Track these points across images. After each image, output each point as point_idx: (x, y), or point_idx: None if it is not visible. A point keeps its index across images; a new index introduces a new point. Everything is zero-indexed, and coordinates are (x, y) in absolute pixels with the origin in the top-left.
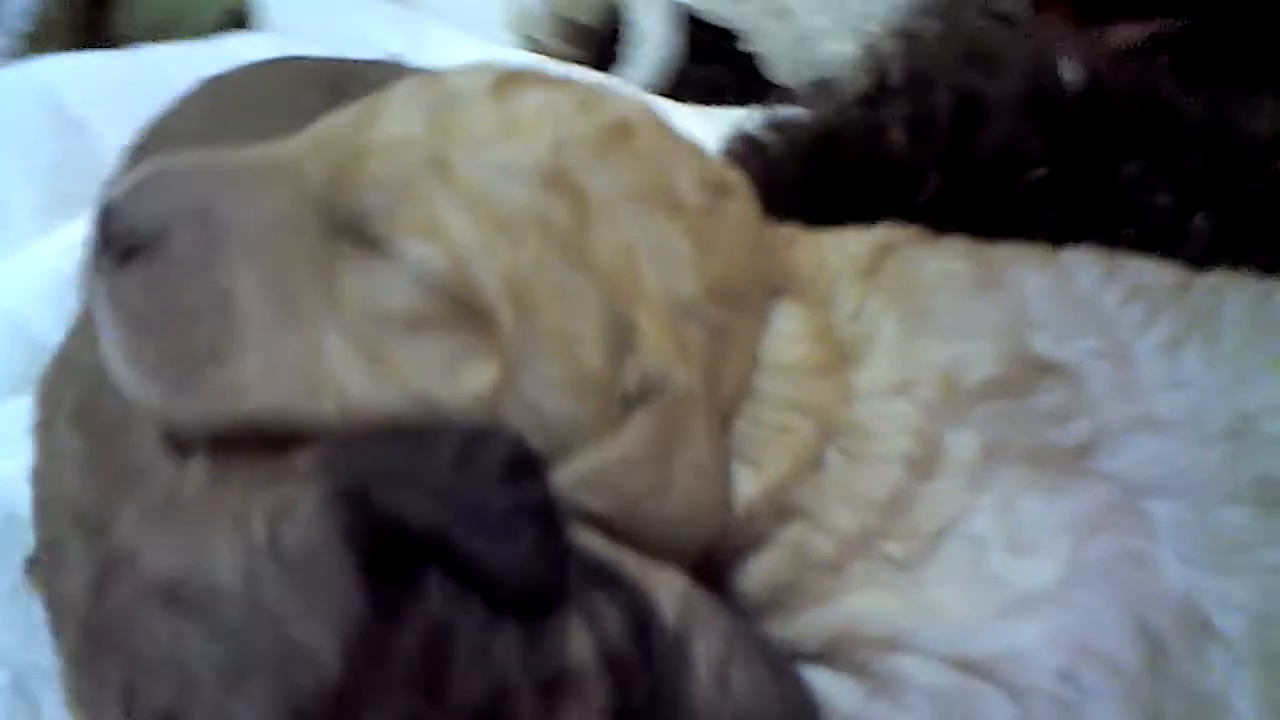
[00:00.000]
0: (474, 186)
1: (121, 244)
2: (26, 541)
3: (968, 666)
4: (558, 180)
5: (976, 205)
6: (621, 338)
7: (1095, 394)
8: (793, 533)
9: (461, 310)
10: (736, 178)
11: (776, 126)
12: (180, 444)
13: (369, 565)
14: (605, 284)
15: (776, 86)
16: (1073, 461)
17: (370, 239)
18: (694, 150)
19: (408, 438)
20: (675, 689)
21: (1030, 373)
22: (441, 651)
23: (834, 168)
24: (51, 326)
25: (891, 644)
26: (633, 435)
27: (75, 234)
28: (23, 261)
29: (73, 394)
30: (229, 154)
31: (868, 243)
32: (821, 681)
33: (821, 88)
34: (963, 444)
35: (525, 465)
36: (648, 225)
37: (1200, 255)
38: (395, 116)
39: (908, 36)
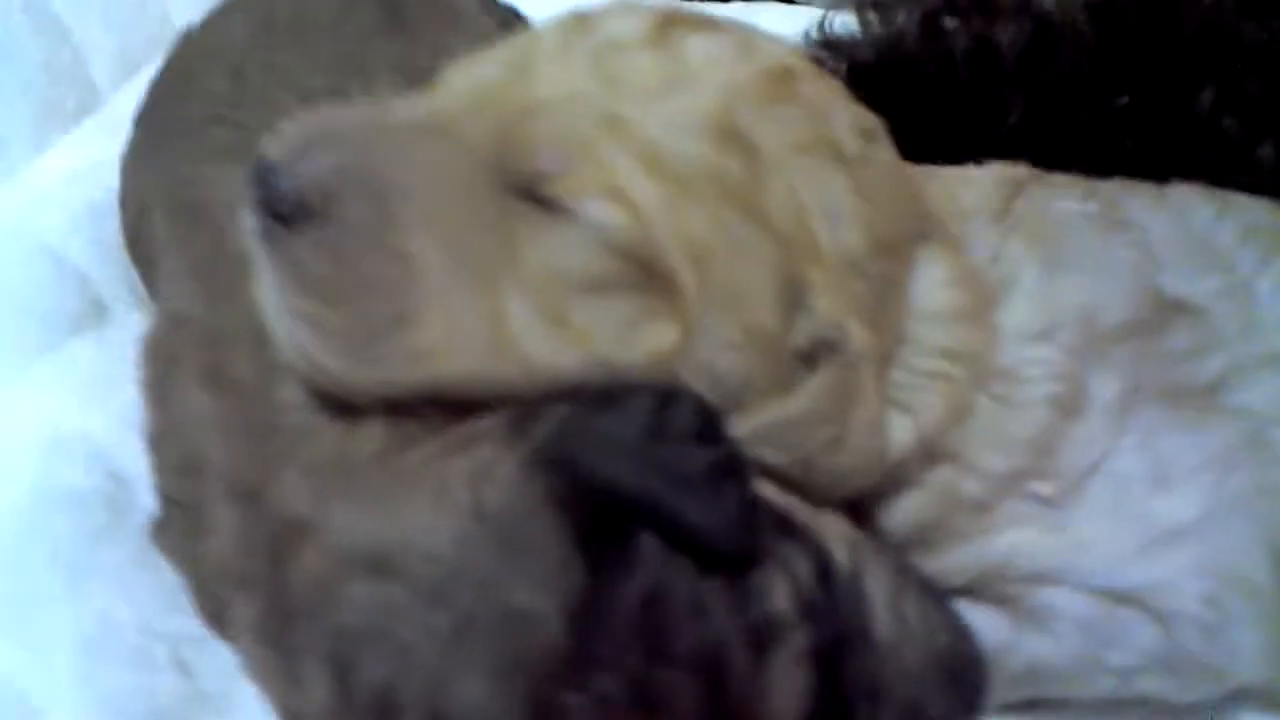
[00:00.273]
0: (649, 143)
1: (289, 207)
2: (136, 503)
3: (1116, 597)
4: (730, 134)
5: (1054, 133)
6: (795, 295)
7: (1223, 332)
8: (942, 475)
9: (642, 271)
10: (878, 121)
11: (832, 45)
12: (342, 406)
13: (581, 529)
14: (778, 241)
15: None
16: (1206, 399)
17: (547, 200)
18: (842, 94)
19: (598, 400)
20: (861, 626)
21: (1162, 313)
22: (659, 611)
23: (897, 94)
24: (94, 261)
25: (1041, 578)
26: (811, 392)
27: (83, 154)
28: (41, 188)
29: (196, 353)
30: (381, 111)
31: (994, 181)
32: (970, 614)
33: (881, 5)
34: (1105, 385)
35: (715, 425)
36: (815, 178)
37: (1269, 184)
38: (555, 68)
39: None
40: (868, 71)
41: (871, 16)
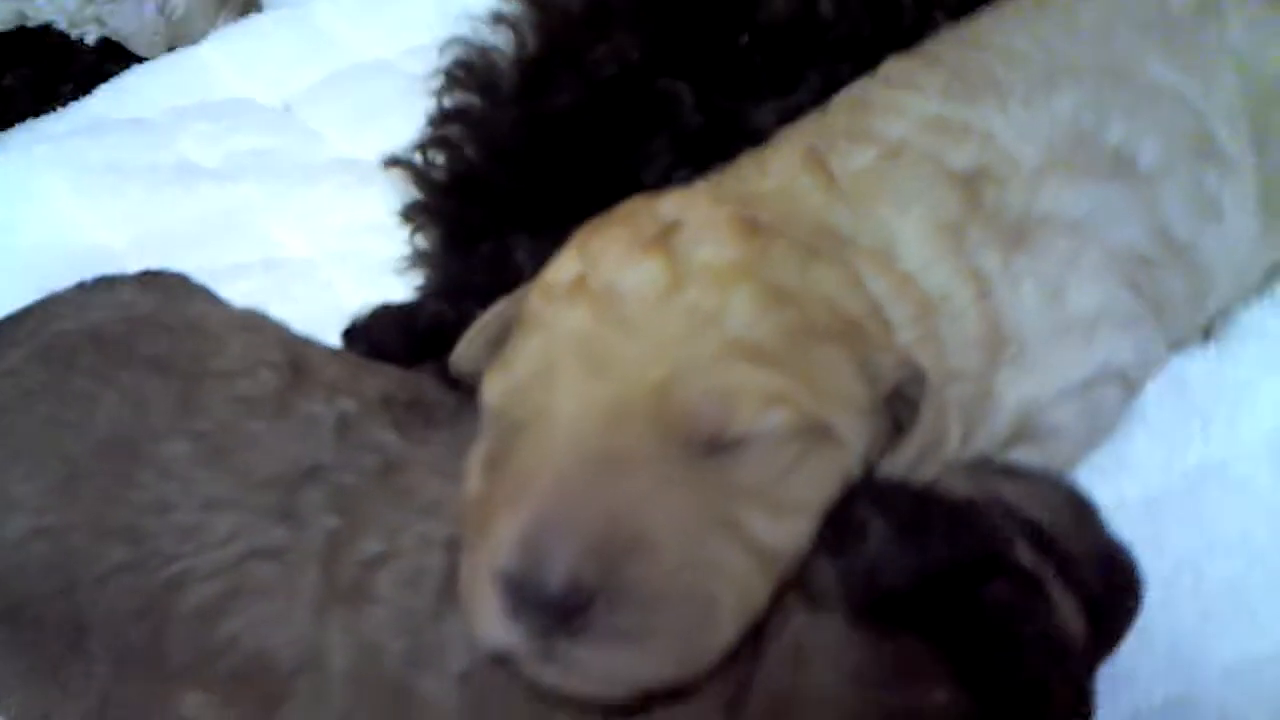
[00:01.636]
0: (742, 345)
1: (562, 610)
2: None
3: (1085, 385)
4: (772, 293)
5: None
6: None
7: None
8: (955, 391)
9: (811, 434)
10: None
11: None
12: None
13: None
14: (841, 343)
15: None
16: (1024, 223)
17: (732, 442)
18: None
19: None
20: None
21: (967, 187)
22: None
23: None
24: None
25: (1039, 409)
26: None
27: None
28: None
29: None
30: (565, 473)
31: (800, 158)
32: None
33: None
34: (987, 259)
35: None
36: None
37: None
38: (616, 343)
39: None
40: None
41: None
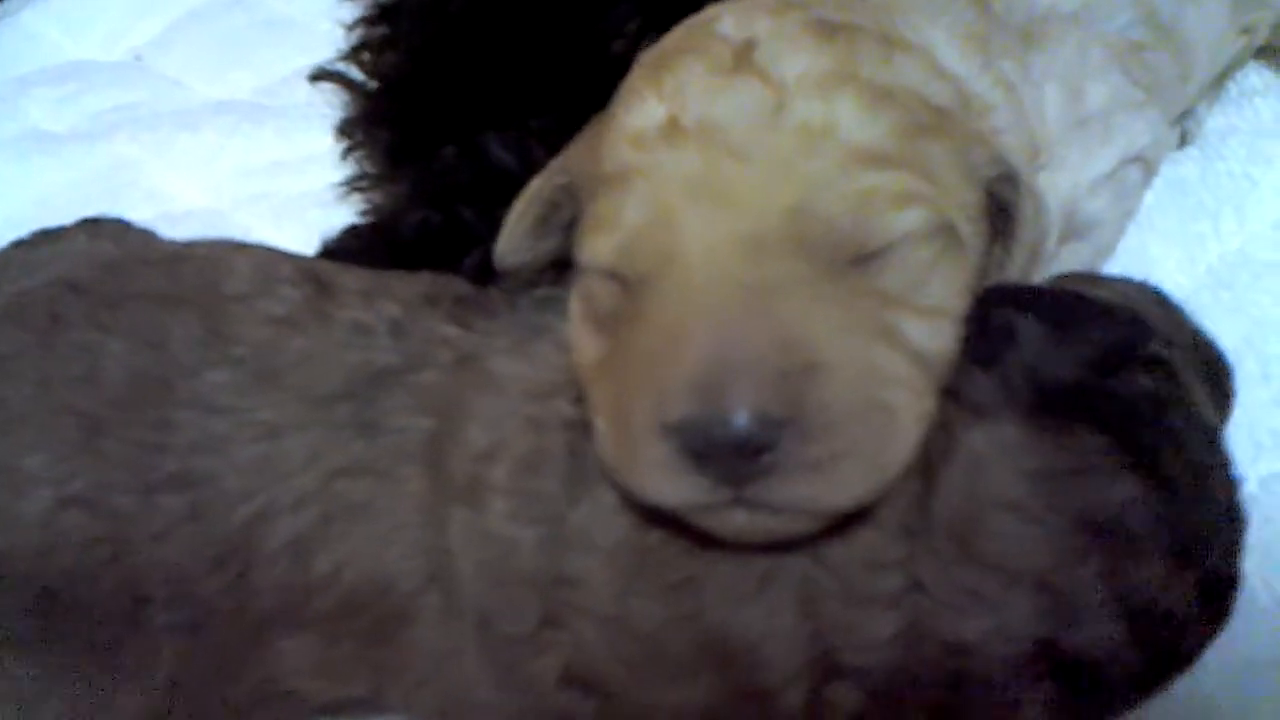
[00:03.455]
0: (871, 153)
1: (749, 448)
2: None
3: (1110, 175)
4: (880, 94)
5: None
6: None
7: None
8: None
9: (944, 235)
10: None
11: None
12: None
13: None
14: (948, 141)
15: None
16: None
17: (873, 252)
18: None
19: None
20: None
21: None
22: None
23: None
24: None
25: (1075, 200)
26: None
27: None
28: None
29: None
30: (719, 308)
31: None
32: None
33: None
34: (1009, 69)
35: None
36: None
37: None
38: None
39: None
40: None
41: None
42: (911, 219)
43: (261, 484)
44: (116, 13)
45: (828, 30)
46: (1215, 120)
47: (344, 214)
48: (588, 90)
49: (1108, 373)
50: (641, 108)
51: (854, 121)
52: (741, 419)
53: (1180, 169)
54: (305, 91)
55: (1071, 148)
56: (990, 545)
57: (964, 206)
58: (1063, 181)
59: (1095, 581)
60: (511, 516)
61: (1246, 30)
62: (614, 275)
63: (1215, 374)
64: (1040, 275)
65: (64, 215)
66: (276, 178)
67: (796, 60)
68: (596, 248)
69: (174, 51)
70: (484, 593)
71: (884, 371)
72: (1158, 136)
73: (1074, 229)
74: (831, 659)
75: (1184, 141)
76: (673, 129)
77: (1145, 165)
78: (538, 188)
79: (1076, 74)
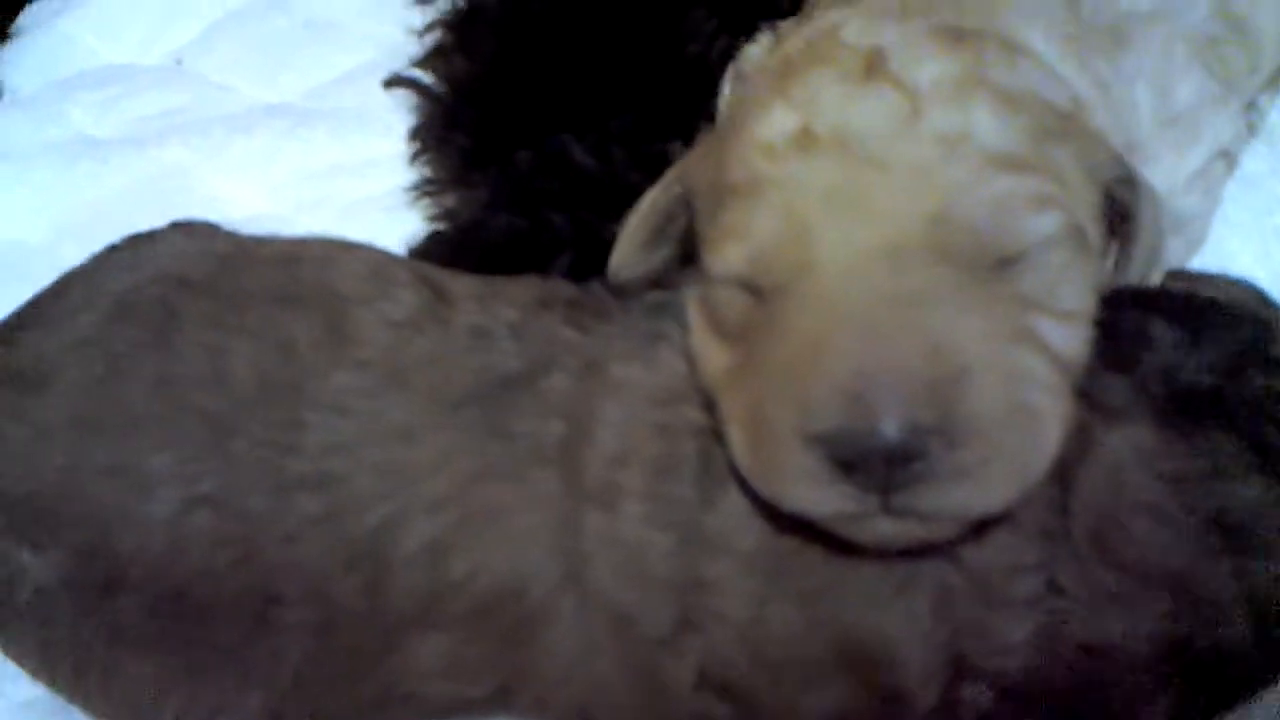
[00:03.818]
0: (1004, 157)
1: (900, 459)
2: None
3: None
4: (1003, 98)
5: None
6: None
7: None
8: None
9: (1078, 239)
10: None
11: None
12: None
13: None
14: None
15: None
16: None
17: (1014, 255)
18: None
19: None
20: None
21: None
22: None
23: None
24: None
25: (1170, 197)
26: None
27: None
28: None
29: None
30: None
31: None
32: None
33: None
34: (1097, 68)
35: None
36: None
37: None
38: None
39: None
40: None
41: None
42: (1048, 222)
43: (395, 487)
44: (153, 16)
45: (955, 36)
46: (1277, 114)
47: (410, 219)
48: (664, 91)
49: (1236, 375)
50: (771, 118)
51: (988, 127)
52: (892, 428)
53: (1249, 163)
54: (355, 95)
55: (1164, 146)
56: (1129, 548)
57: (1089, 208)
58: (1158, 180)
59: (1228, 581)
60: (646, 520)
61: None
62: (745, 285)
63: None
64: (1158, 277)
65: (120, 221)
66: (335, 182)
67: (928, 67)
68: (727, 257)
69: (214, 55)
70: (620, 595)
71: (1028, 375)
72: (1239, 130)
73: (1171, 226)
74: (966, 660)
75: (1250, 132)
76: (806, 138)
77: (1228, 160)
78: (653, 200)
79: (1164, 72)
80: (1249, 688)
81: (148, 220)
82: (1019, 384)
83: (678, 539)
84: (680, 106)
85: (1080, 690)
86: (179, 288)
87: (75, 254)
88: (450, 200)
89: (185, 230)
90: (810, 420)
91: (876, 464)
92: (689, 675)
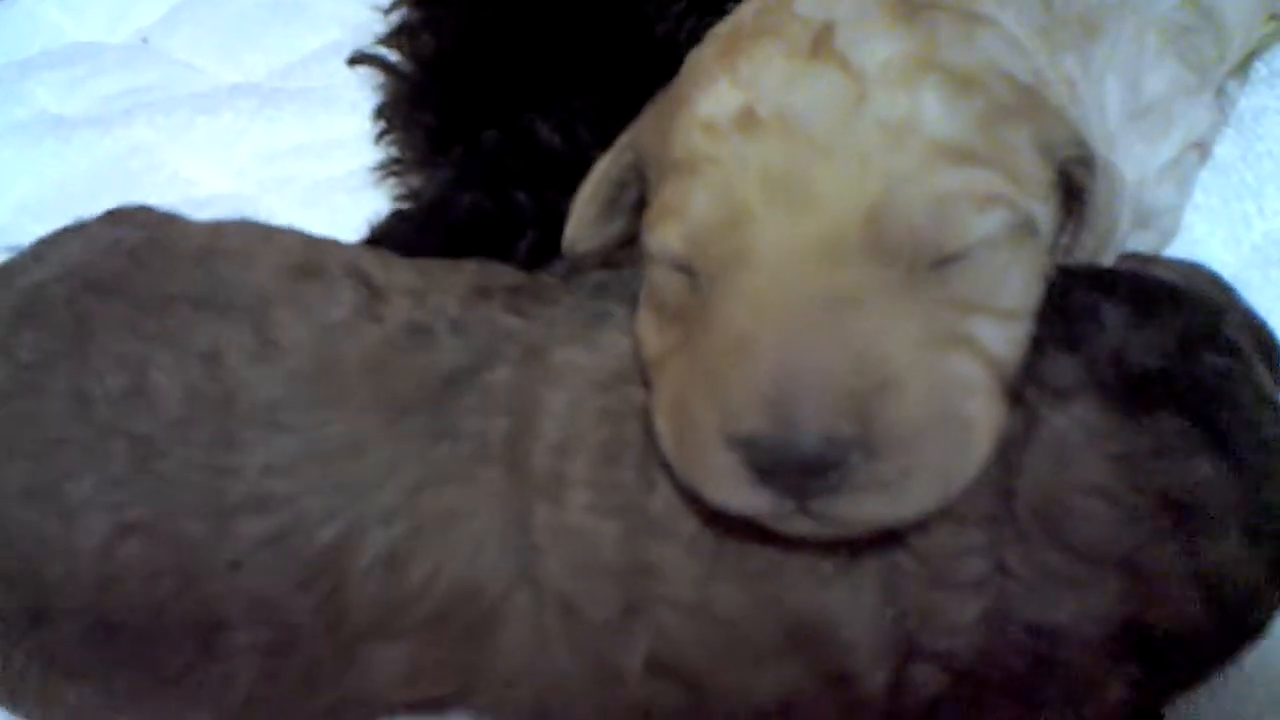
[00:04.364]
0: (947, 147)
1: (818, 467)
2: None
3: (1174, 162)
4: (964, 82)
5: None
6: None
7: None
8: None
9: (1021, 227)
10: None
11: None
12: None
13: None
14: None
15: None
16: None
17: (950, 255)
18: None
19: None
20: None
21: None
22: None
23: None
24: None
25: (1140, 190)
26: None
27: None
28: None
29: None
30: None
31: None
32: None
33: None
34: (1066, 62)
35: None
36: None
37: None
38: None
39: None
40: None
41: None
42: (993, 222)
43: (345, 503)
44: None
45: (908, 10)
46: (1248, 100)
47: (374, 198)
48: (632, 71)
49: (1187, 356)
50: (714, 92)
51: (936, 113)
52: (810, 439)
53: (1220, 149)
54: (321, 74)
55: (1133, 139)
56: (1077, 529)
57: (1041, 189)
58: (1128, 172)
59: (1177, 560)
60: (592, 509)
61: (1276, 16)
62: (682, 267)
63: (1268, 353)
64: (1110, 259)
65: (84, 200)
66: (300, 162)
67: (877, 46)
68: (665, 236)
69: (181, 33)
70: (569, 585)
71: (961, 382)
72: (1214, 120)
73: (1140, 219)
74: (915, 641)
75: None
76: (748, 118)
77: (1201, 151)
78: (605, 168)
79: (1134, 63)
80: (1205, 668)
81: (112, 200)
82: (949, 393)
83: (624, 525)
84: (648, 87)
85: (1032, 672)
86: (87, 290)
87: (38, 234)
88: (416, 180)
89: (114, 220)
90: (730, 423)
91: (793, 473)
92: (639, 661)
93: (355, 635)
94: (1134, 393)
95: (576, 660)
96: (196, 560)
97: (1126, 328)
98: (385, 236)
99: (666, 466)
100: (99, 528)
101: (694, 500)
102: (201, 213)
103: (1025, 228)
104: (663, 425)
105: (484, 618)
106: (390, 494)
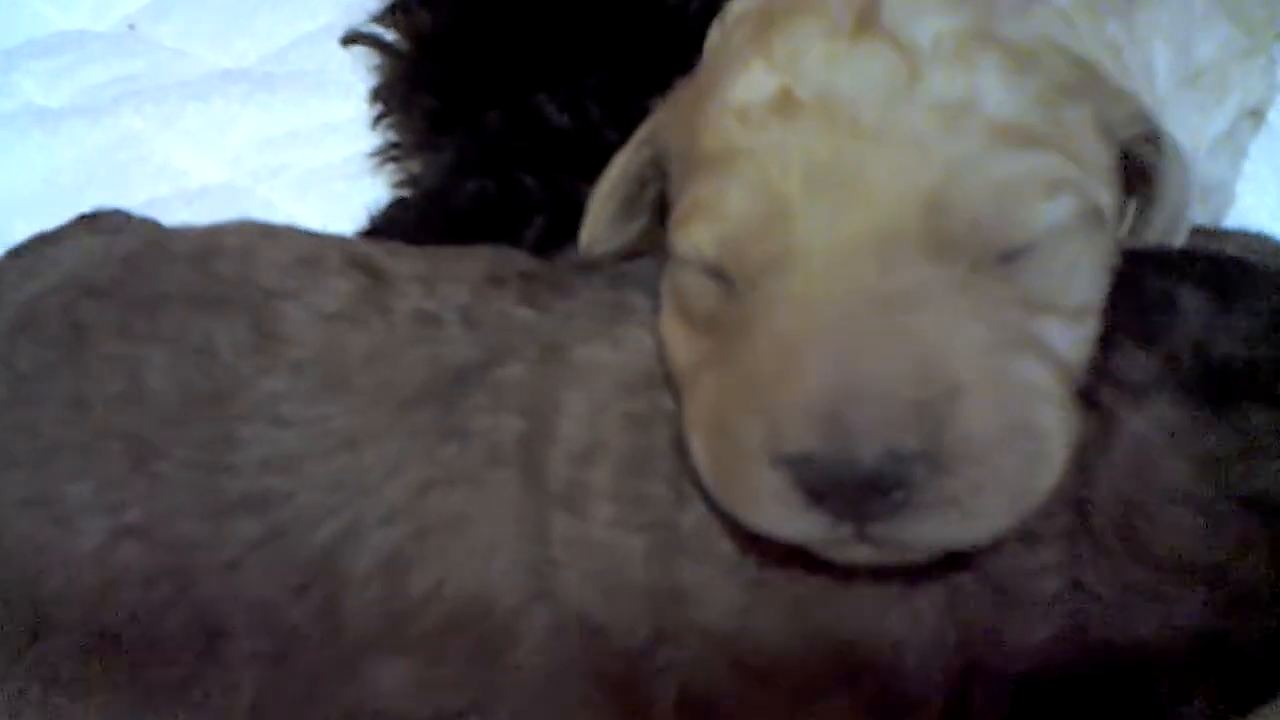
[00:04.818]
0: (1007, 128)
1: (878, 488)
2: None
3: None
4: (1020, 57)
5: None
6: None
7: None
8: None
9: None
10: None
11: None
12: None
13: None
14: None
15: None
16: None
17: (1017, 248)
18: None
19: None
20: None
21: None
22: None
23: None
24: None
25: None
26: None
27: None
28: None
29: None
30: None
31: None
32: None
33: None
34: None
35: None
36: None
37: None
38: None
39: None
40: None
41: None
42: (1061, 209)
43: (343, 501)
44: None
45: None
46: None
47: (372, 185)
48: (644, 44)
49: (1273, 342)
50: (748, 76)
51: (997, 93)
52: (870, 455)
53: (1271, 114)
54: (315, 57)
55: (1185, 108)
56: (1161, 541)
57: (1104, 173)
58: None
59: (1262, 569)
60: (616, 522)
61: None
62: (715, 271)
63: None
64: (1180, 240)
65: (72, 194)
66: (295, 148)
67: (929, 20)
68: (695, 239)
69: (169, 20)
70: (591, 606)
71: (1032, 389)
72: (1270, 83)
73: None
74: (979, 665)
75: None
76: (787, 103)
77: (1256, 119)
78: (623, 166)
79: (1183, 25)
80: None
81: (101, 193)
82: (1019, 401)
83: (652, 542)
84: (659, 61)
85: (1111, 692)
86: (83, 297)
87: (25, 230)
88: (415, 165)
89: (90, 225)
90: (778, 441)
91: (851, 493)
92: (669, 694)
93: (356, 647)
94: (1219, 387)
95: (599, 688)
96: (192, 562)
97: (1208, 315)
98: (386, 225)
99: (701, 489)
100: (96, 531)
101: (731, 519)
102: (193, 204)
103: (1093, 215)
104: (698, 444)
105: (495, 634)
106: (392, 493)
